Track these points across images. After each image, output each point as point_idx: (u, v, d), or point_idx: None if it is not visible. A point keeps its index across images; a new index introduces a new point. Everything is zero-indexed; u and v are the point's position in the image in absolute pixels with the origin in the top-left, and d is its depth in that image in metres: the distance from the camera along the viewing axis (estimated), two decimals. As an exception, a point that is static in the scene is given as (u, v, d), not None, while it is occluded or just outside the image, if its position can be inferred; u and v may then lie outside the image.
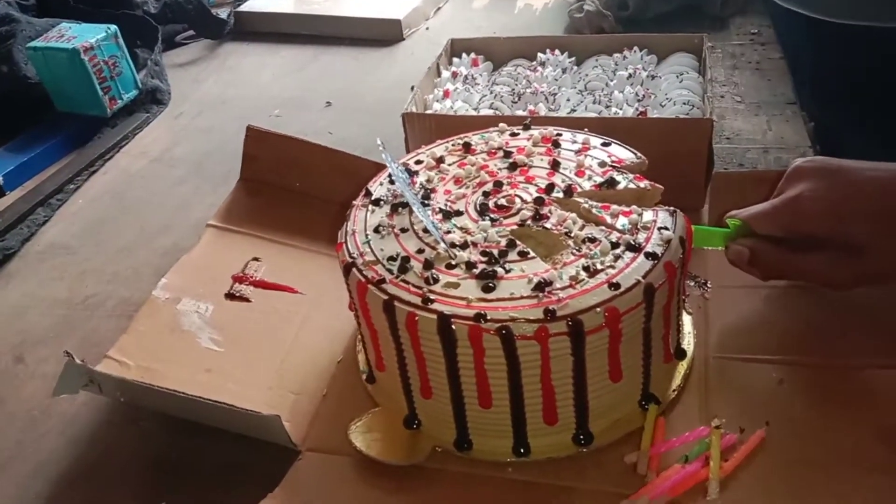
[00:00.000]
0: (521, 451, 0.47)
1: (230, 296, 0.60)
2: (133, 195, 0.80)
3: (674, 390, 0.49)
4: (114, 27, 0.87)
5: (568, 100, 0.69)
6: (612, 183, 0.50)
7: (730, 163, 0.68)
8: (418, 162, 0.55)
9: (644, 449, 0.46)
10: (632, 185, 0.50)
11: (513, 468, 0.47)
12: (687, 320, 0.54)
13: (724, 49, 0.88)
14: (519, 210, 0.49)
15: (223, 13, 1.10)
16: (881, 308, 0.52)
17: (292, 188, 0.67)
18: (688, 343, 0.52)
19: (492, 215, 0.49)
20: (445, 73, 0.76)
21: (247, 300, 0.59)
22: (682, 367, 0.51)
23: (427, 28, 1.07)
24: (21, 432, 0.53)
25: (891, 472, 0.43)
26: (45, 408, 0.55)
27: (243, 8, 1.12)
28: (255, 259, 0.63)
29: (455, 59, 0.78)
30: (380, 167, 0.60)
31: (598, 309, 0.42)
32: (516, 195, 0.50)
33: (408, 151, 0.69)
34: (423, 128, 0.65)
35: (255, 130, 0.67)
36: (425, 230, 0.48)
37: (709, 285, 0.57)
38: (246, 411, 0.47)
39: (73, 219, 0.77)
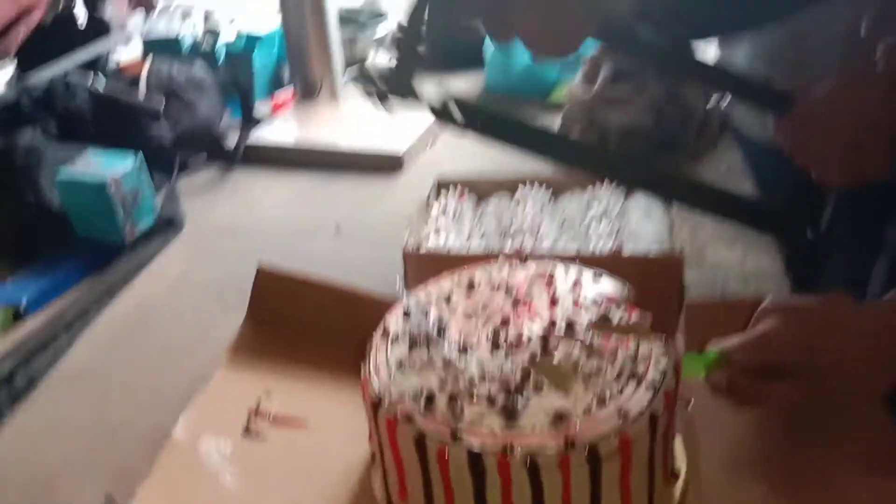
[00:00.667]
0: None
1: (247, 430, 0.62)
2: (153, 320, 0.82)
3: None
4: (140, 156, 0.92)
5: (548, 234, 0.76)
6: (607, 317, 0.56)
7: (712, 290, 0.75)
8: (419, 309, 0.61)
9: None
10: (625, 316, 0.56)
11: None
12: (678, 440, 0.59)
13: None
14: (528, 344, 0.54)
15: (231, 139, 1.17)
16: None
17: (298, 323, 0.71)
18: (680, 463, 0.57)
19: (504, 349, 0.54)
20: (436, 209, 0.82)
21: (262, 436, 0.62)
22: (679, 486, 0.55)
23: (425, 158, 1.15)
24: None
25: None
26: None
27: (251, 141, 1.18)
28: (267, 391, 0.66)
29: (443, 191, 0.85)
30: (383, 301, 0.65)
31: (613, 437, 0.47)
32: (524, 332, 0.55)
33: (406, 284, 0.75)
34: (421, 265, 0.70)
35: (265, 271, 0.72)
36: (446, 364, 0.53)
37: (692, 403, 0.62)
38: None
39: (95, 343, 0.79)
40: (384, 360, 0.55)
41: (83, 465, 0.63)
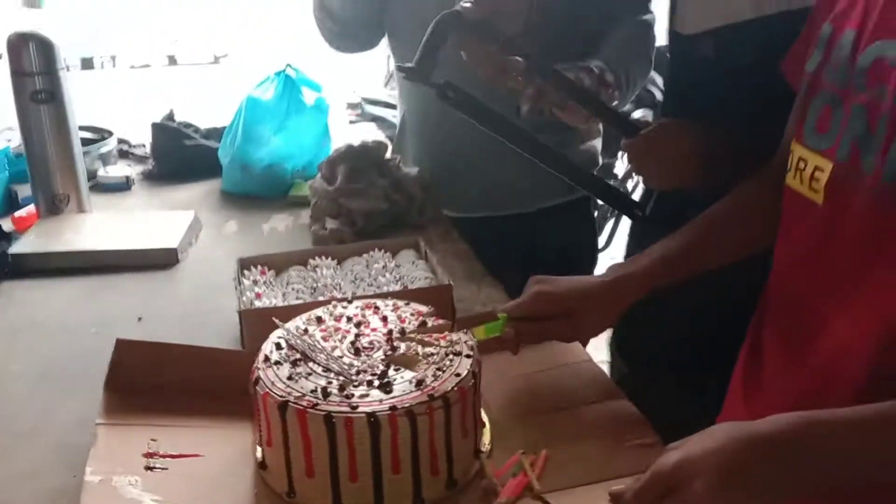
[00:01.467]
0: (418, 500, 0.71)
1: (149, 468, 0.74)
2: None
3: (488, 443, 0.79)
4: None
5: (346, 289, 0.99)
6: (424, 324, 0.81)
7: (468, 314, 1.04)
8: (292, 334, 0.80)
9: (489, 476, 0.74)
10: (435, 322, 0.81)
11: (414, 514, 0.71)
12: (477, 404, 0.85)
13: (431, 245, 1.27)
14: (379, 347, 0.76)
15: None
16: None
17: (160, 383, 0.83)
18: (483, 414, 0.83)
19: (364, 353, 0.76)
20: (246, 282, 1.00)
21: (164, 469, 0.74)
22: (487, 430, 0.81)
23: (193, 250, 1.30)
24: None
25: (614, 451, 0.78)
26: None
27: (16, 249, 1.20)
28: (153, 440, 0.77)
29: (245, 272, 1.03)
30: (232, 354, 0.83)
31: (455, 389, 0.71)
32: (373, 339, 0.78)
33: (243, 344, 0.91)
34: (258, 319, 0.87)
35: (123, 341, 0.83)
36: (325, 370, 0.73)
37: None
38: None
39: None
40: (275, 377, 0.73)
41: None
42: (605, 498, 0.69)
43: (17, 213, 1.42)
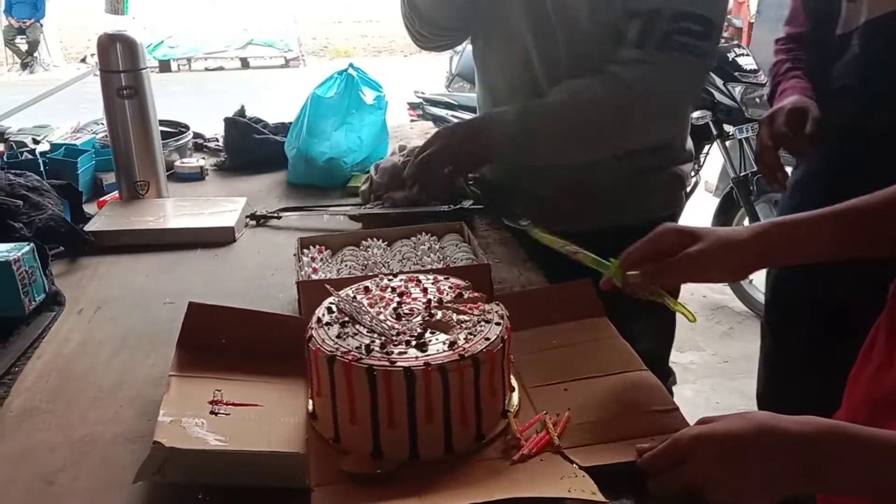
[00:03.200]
0: (448, 450, 0.79)
1: (214, 413, 0.84)
2: (76, 369, 0.98)
3: (515, 406, 0.87)
4: (31, 244, 1.08)
5: (395, 267, 1.08)
6: (460, 296, 0.89)
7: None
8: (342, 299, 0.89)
9: (513, 432, 0.82)
10: (471, 294, 0.90)
11: (442, 461, 0.79)
12: (508, 373, 0.92)
13: (475, 232, 1.36)
14: (418, 314, 0.85)
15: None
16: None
17: (225, 343, 0.94)
18: (513, 380, 0.90)
19: (404, 318, 0.84)
20: (305, 259, 1.10)
21: (227, 414, 0.84)
22: (516, 395, 0.89)
23: (257, 233, 1.42)
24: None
25: (632, 416, 0.84)
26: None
27: (94, 227, 1.35)
28: (218, 390, 0.88)
29: (304, 251, 1.13)
30: (290, 320, 0.92)
31: (484, 350, 0.79)
32: (413, 307, 0.86)
33: (300, 311, 1.01)
34: (314, 290, 0.97)
35: (196, 304, 0.94)
36: (370, 331, 0.82)
37: (511, 356, 0.96)
38: (289, 453, 0.73)
39: (30, 391, 0.93)
40: (325, 336, 0.82)
41: (70, 466, 0.80)
42: (624, 456, 0.77)
43: (102, 199, 1.56)
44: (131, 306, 1.16)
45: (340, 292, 0.90)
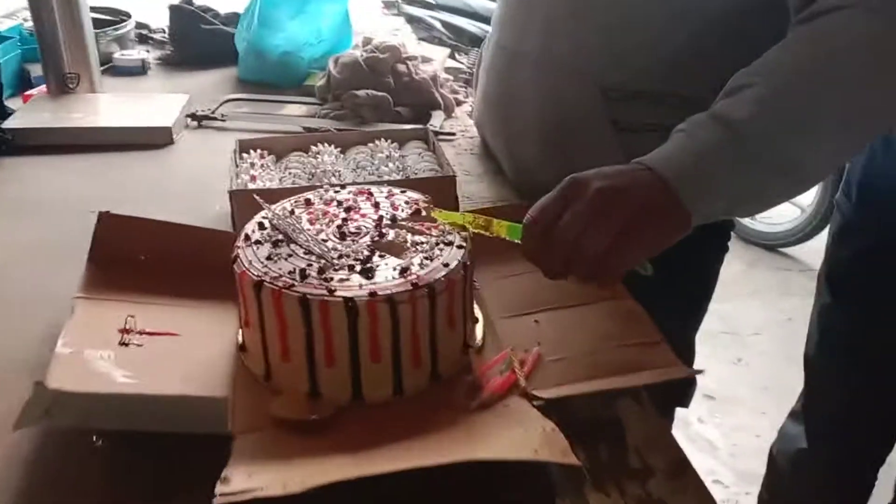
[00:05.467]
0: (398, 391, 0.68)
1: (123, 344, 0.71)
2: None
3: (479, 340, 0.75)
4: None
5: (347, 177, 0.94)
6: (418, 212, 0.76)
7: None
8: (276, 214, 0.75)
9: (475, 372, 0.70)
10: (428, 211, 0.76)
11: (391, 404, 0.67)
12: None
13: (447, 143, 1.21)
14: (367, 233, 0.72)
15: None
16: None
17: (139, 261, 0.80)
18: (477, 313, 0.79)
19: (350, 238, 0.71)
20: (243, 164, 0.96)
21: (139, 345, 0.72)
22: (479, 326, 0.77)
23: (197, 134, 1.27)
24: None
25: (612, 351, 0.73)
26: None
27: (12, 125, 1.19)
28: (131, 316, 0.75)
29: (244, 154, 0.99)
30: (215, 232, 0.79)
31: (442, 278, 0.66)
32: (361, 225, 0.73)
33: (234, 224, 0.88)
34: (249, 201, 0.83)
35: (107, 214, 0.80)
36: (307, 253, 0.69)
37: (476, 281, 0.84)
38: (204, 397, 0.61)
39: None
40: (253, 257, 0.69)
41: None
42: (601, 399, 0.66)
43: (29, 93, 1.39)
44: (51, 213, 1.02)
45: (275, 206, 0.77)
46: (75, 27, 1.34)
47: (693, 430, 2.15)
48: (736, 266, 2.94)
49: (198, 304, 0.78)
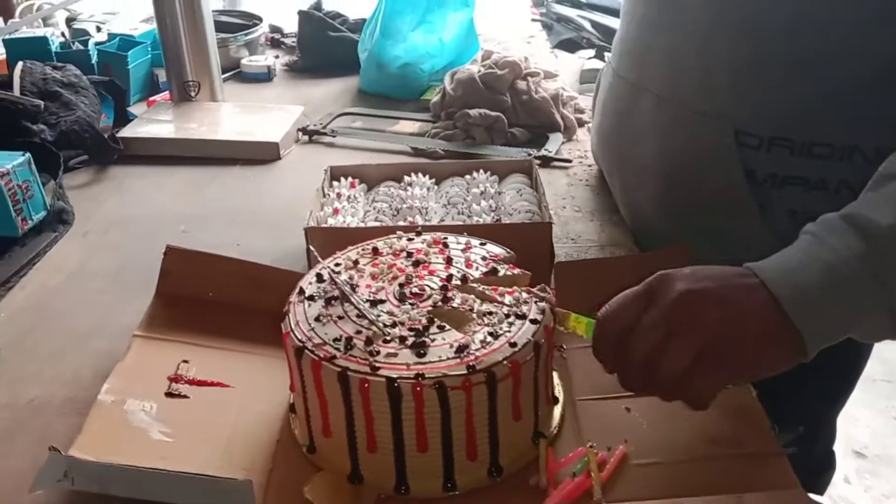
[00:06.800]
0: (449, 486, 0.59)
1: (169, 394, 0.67)
2: (56, 306, 0.84)
3: (555, 427, 0.64)
4: (27, 154, 0.93)
5: (436, 212, 0.86)
6: (494, 272, 0.66)
7: (576, 258, 0.87)
8: (337, 265, 0.68)
9: (542, 471, 0.60)
10: (508, 273, 0.66)
11: (440, 501, 0.58)
12: (554, 374, 0.69)
13: (561, 170, 1.11)
14: (430, 296, 0.63)
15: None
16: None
17: (206, 298, 0.76)
18: (558, 391, 0.68)
19: (409, 301, 0.62)
20: (331, 194, 0.90)
21: (185, 397, 0.67)
22: (558, 409, 0.66)
23: (305, 150, 1.23)
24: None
25: (717, 460, 0.60)
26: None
27: (126, 133, 1.21)
28: (185, 361, 0.70)
29: (335, 183, 0.93)
30: (288, 275, 0.72)
31: (505, 362, 0.56)
32: (425, 285, 0.64)
33: (309, 262, 0.81)
34: (325, 239, 0.77)
35: (174, 249, 0.76)
36: (359, 316, 0.61)
37: (564, 346, 0.73)
38: (225, 479, 0.55)
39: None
40: (303, 316, 0.62)
41: (3, 437, 0.66)
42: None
43: (153, 98, 1.41)
44: (141, 232, 1.00)
45: (342, 253, 0.69)
46: (198, 35, 1.34)
47: (837, 491, 1.89)
48: None
49: (257, 350, 0.73)
